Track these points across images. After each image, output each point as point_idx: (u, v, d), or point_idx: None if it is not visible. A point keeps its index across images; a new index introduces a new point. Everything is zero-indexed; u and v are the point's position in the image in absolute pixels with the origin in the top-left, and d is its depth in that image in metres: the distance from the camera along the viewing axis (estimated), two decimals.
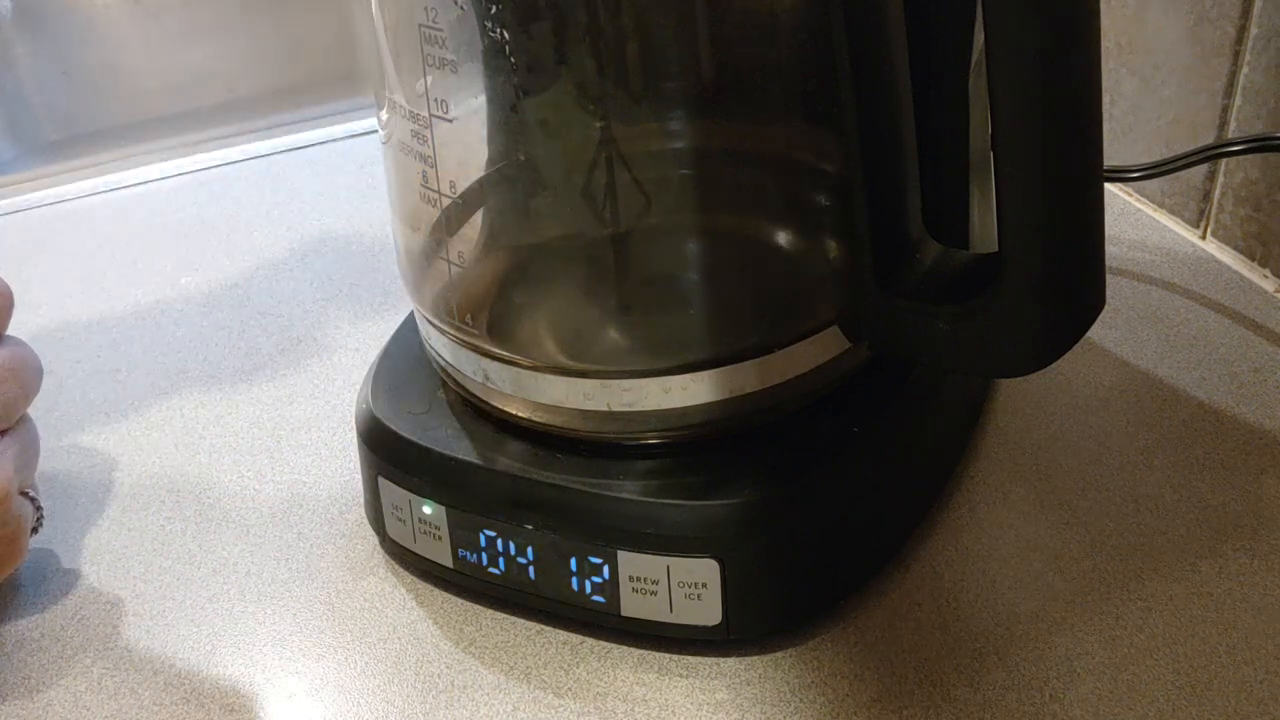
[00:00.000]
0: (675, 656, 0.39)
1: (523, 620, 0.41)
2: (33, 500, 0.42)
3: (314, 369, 0.55)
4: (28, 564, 0.44)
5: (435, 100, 0.37)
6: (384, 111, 0.40)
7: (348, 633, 0.41)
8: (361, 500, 0.45)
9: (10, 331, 0.42)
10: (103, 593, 0.43)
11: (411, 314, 0.46)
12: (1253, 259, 0.55)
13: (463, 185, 0.39)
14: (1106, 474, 0.45)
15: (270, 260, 0.64)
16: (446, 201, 0.39)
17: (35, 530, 0.42)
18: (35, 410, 0.43)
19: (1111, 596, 0.40)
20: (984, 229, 0.43)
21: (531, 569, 0.39)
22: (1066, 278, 0.35)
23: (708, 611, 0.38)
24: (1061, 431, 0.47)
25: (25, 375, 0.41)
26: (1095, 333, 0.43)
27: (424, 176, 0.39)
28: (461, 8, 0.36)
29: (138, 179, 0.73)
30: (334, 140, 0.76)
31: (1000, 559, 0.42)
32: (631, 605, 0.38)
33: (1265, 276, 0.55)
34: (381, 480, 0.41)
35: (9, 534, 0.40)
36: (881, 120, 0.36)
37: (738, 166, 0.40)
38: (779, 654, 0.39)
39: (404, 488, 0.41)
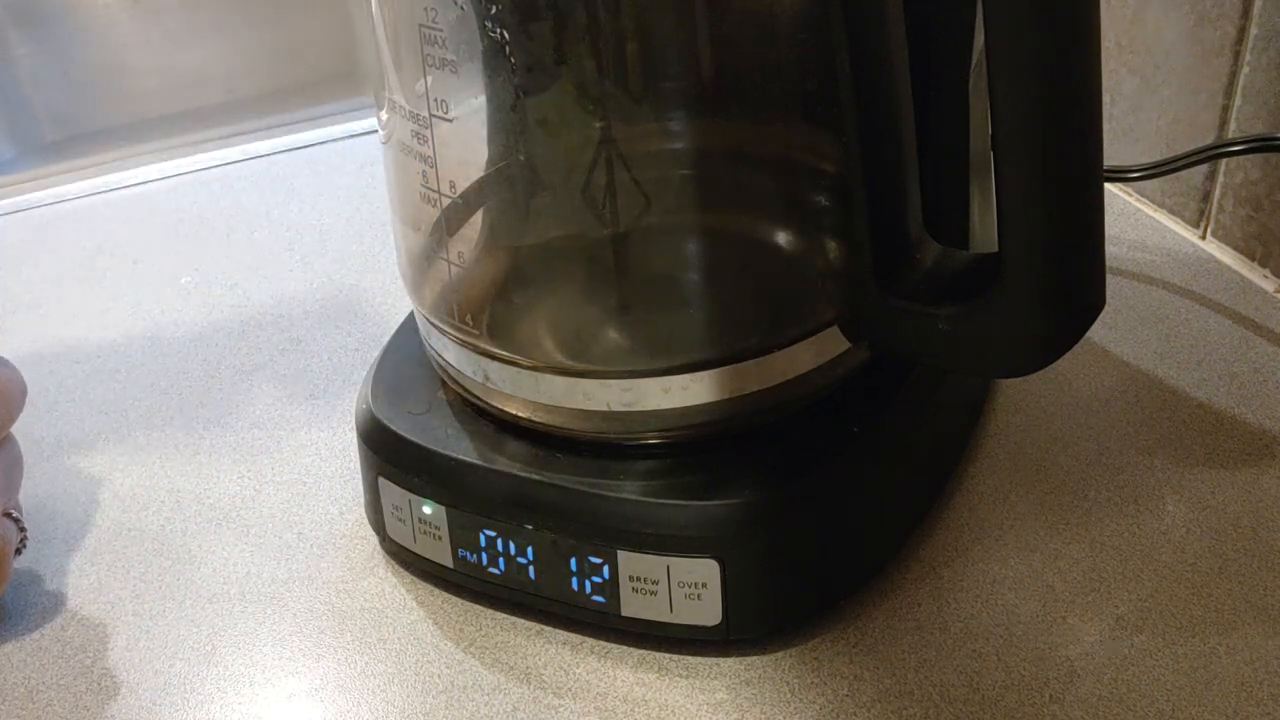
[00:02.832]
0: (675, 656, 0.39)
1: (523, 620, 0.41)
2: (16, 521, 0.42)
3: (314, 369, 0.55)
4: (22, 568, 0.44)
5: (435, 100, 0.37)
6: (384, 111, 0.40)
7: (348, 633, 0.41)
8: (361, 500, 0.45)
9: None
10: (102, 593, 0.43)
11: (411, 314, 0.46)
12: (1253, 259, 0.55)
13: (463, 185, 0.39)
14: (1106, 474, 0.45)
15: (270, 260, 0.64)
16: (446, 201, 0.39)
17: (19, 551, 0.42)
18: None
19: (1112, 596, 0.40)
20: (984, 229, 0.43)
21: (531, 569, 0.39)
22: (1066, 278, 0.35)
23: (708, 611, 0.38)
24: (1061, 431, 0.47)
25: (10, 397, 0.41)
26: (1095, 333, 0.43)
27: (424, 176, 0.39)
28: (461, 8, 0.36)
29: (138, 179, 0.73)
30: (334, 140, 0.76)
31: (1000, 559, 0.42)
32: (631, 605, 0.38)
33: (1265, 276, 0.55)
34: (381, 480, 0.41)
35: None
36: (881, 120, 0.36)
37: (737, 166, 0.40)
38: (779, 654, 0.39)
39: (404, 488, 0.41)
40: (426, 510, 0.40)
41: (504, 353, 0.39)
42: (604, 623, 0.39)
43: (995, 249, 0.35)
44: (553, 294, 0.42)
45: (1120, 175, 0.57)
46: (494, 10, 0.35)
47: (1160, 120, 0.58)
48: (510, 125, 0.39)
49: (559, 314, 0.41)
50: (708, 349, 0.38)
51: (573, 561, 0.38)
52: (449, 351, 0.41)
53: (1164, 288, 0.55)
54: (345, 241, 0.65)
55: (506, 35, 0.36)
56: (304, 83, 0.81)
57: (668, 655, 0.39)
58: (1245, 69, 0.53)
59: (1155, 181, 0.59)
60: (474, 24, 0.36)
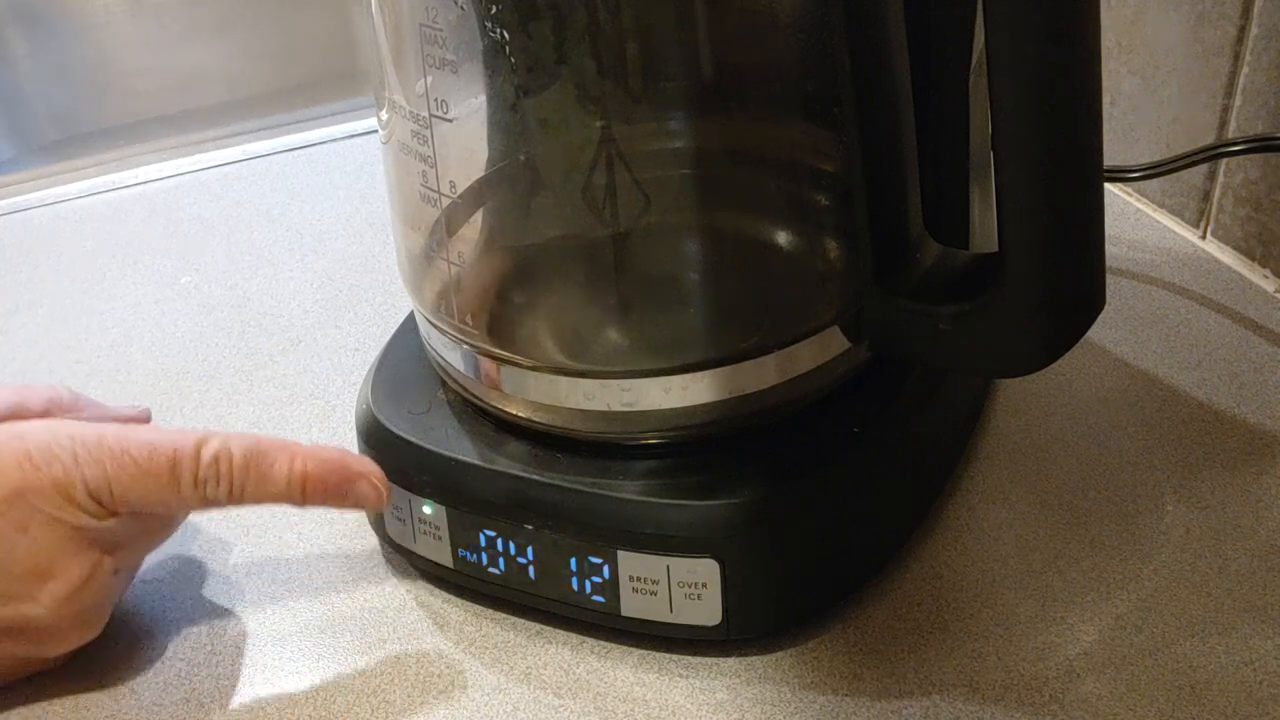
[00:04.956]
0: (675, 656, 0.39)
1: (523, 620, 0.41)
2: None
3: (314, 369, 0.55)
4: None
5: (435, 100, 0.37)
6: (384, 111, 0.40)
7: (348, 633, 0.41)
8: None
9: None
10: None
11: (411, 314, 0.46)
12: (1253, 259, 0.55)
13: (463, 185, 0.39)
14: (1106, 474, 0.45)
15: (270, 260, 0.64)
16: (446, 201, 0.39)
17: None
18: None
19: (1111, 596, 0.40)
20: (984, 229, 0.43)
21: (531, 569, 0.39)
22: (1066, 278, 0.35)
23: (708, 611, 0.38)
24: (1061, 431, 0.47)
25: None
26: (1095, 333, 0.43)
27: (424, 176, 0.39)
28: (461, 8, 0.36)
29: (138, 179, 0.73)
30: (334, 140, 0.76)
31: (1000, 559, 0.42)
32: (631, 605, 0.38)
33: (1265, 276, 0.55)
34: None
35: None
36: (881, 120, 0.36)
37: (738, 166, 0.40)
38: (779, 654, 0.39)
39: (404, 488, 0.41)
40: (426, 510, 0.40)
41: (504, 352, 0.39)
42: (604, 623, 0.39)
43: (995, 249, 0.35)
44: (553, 294, 0.42)
45: (1120, 175, 0.57)
46: (494, 10, 0.35)
47: (1160, 120, 0.58)
48: (510, 125, 0.39)
49: (559, 314, 0.41)
50: (708, 349, 0.38)
51: (573, 561, 0.38)
52: (449, 351, 0.41)
53: (1164, 288, 0.55)
54: (345, 241, 0.65)
55: (507, 35, 0.36)
56: (304, 83, 0.82)
57: (668, 655, 0.39)
58: (1245, 69, 0.53)
59: (1155, 181, 0.59)
60: (474, 24, 0.36)
